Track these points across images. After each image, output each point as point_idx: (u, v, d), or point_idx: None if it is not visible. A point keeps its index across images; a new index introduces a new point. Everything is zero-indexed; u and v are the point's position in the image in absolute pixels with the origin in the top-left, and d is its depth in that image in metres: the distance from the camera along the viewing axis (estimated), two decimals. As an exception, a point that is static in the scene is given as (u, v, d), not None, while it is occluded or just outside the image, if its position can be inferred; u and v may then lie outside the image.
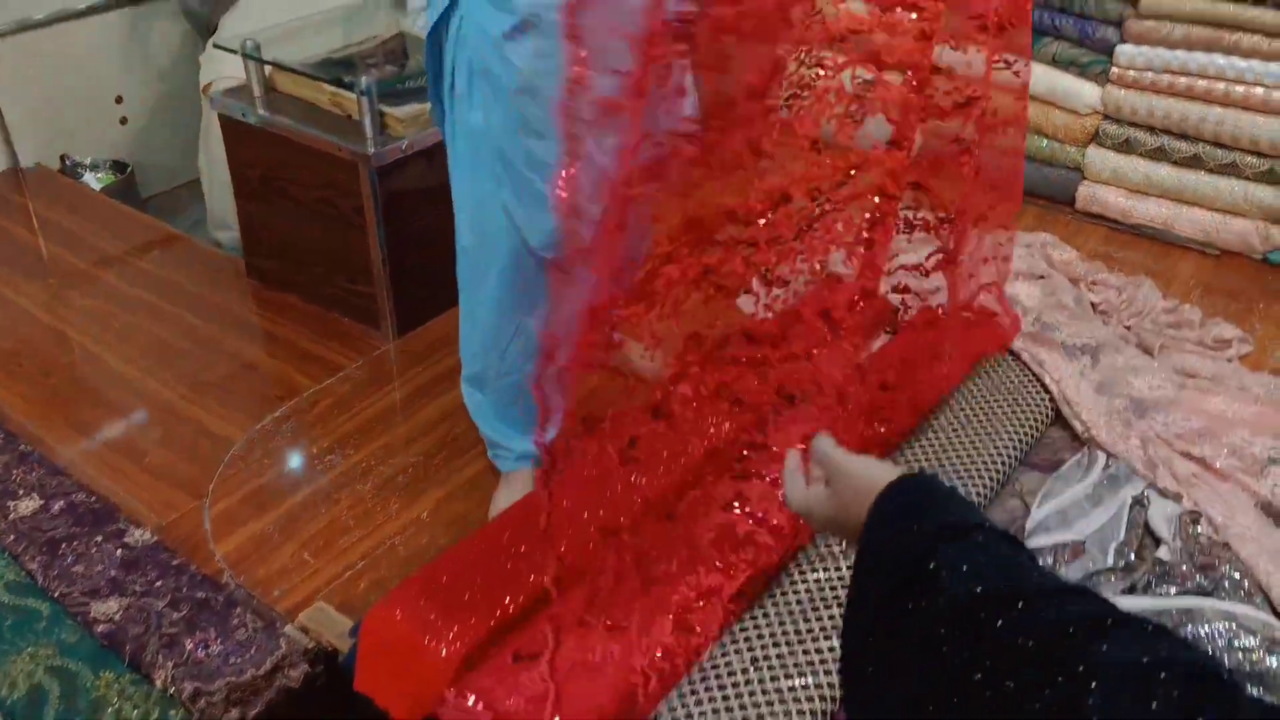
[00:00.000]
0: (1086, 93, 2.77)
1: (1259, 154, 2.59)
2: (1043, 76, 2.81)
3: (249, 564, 1.78)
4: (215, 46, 2.54)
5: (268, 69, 2.36)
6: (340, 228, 2.31)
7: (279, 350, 2.36)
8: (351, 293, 2.39)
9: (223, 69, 2.64)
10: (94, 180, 3.04)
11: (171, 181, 3.27)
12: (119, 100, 3.14)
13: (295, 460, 2.02)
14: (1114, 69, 2.71)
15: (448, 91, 1.60)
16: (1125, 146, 2.76)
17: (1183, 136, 2.68)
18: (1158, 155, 2.72)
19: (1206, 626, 1.46)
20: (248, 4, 2.87)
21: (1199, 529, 1.67)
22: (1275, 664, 1.40)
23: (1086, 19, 2.73)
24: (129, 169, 3.13)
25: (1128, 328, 2.38)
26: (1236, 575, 1.57)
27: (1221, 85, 2.57)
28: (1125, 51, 2.68)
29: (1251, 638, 1.43)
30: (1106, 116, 2.78)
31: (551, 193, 1.53)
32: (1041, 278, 2.47)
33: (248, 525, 1.86)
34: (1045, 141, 2.87)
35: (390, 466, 1.99)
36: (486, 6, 1.48)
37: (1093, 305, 2.42)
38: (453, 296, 2.45)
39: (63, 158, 3.05)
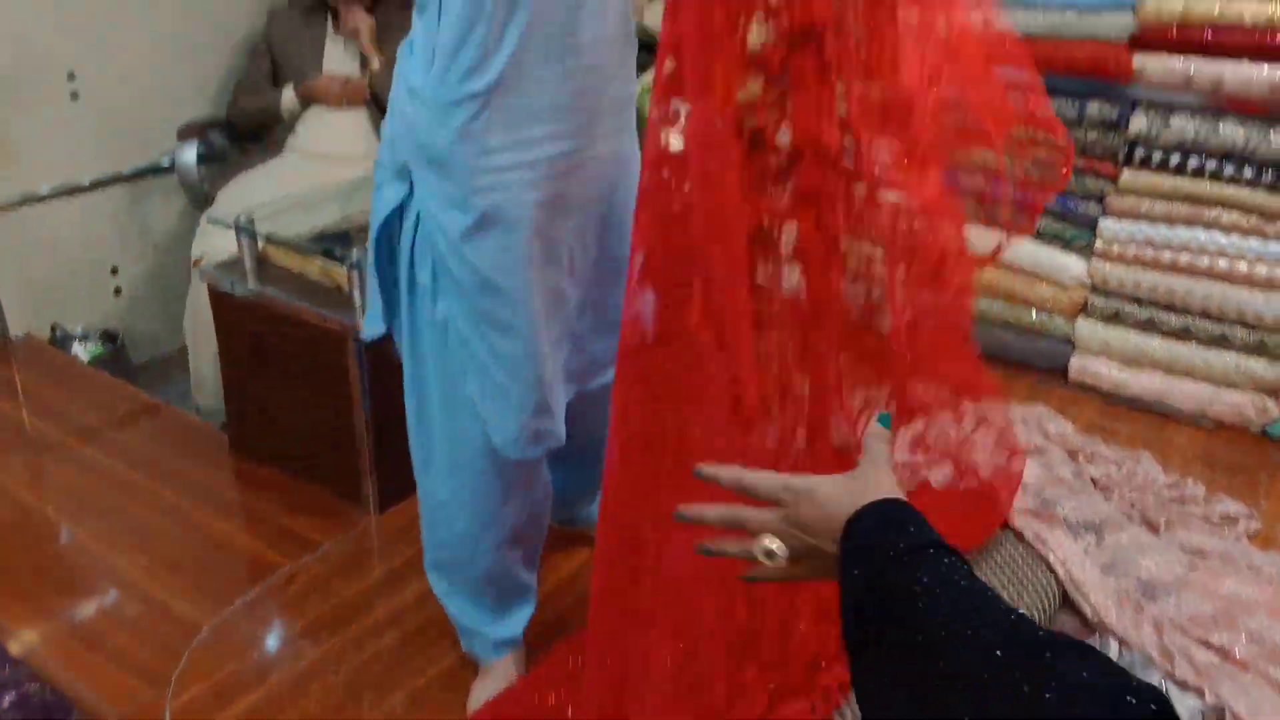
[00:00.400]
0: (1072, 266, 2.80)
1: (1248, 326, 2.59)
2: (1028, 250, 2.85)
3: (208, 764, 1.66)
4: (210, 222, 2.57)
5: (260, 242, 2.37)
6: (325, 399, 2.28)
7: (255, 526, 2.28)
8: (334, 465, 2.33)
9: (215, 242, 2.67)
10: (83, 350, 3.03)
11: (161, 349, 3.26)
12: (114, 271, 3.17)
13: (265, 648, 1.91)
14: (1098, 243, 2.75)
15: (405, 284, 1.55)
16: (1115, 319, 2.77)
17: (1171, 309, 2.69)
18: (1148, 327, 2.73)
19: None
20: (246, 178, 2.93)
21: None
22: None
23: (1067, 195, 2.79)
24: (119, 338, 3.13)
25: (1131, 504, 2.32)
26: (1269, 780, 1.46)
27: (1205, 259, 2.60)
28: (1108, 226, 2.72)
29: None
30: (1094, 289, 2.80)
31: (518, 391, 1.51)
32: (1039, 451, 2.43)
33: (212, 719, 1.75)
34: (1034, 313, 2.89)
35: (365, 653, 1.89)
36: (445, 206, 1.45)
37: (1092, 480, 2.37)
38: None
39: (53, 327, 3.04)
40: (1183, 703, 1.62)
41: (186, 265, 2.98)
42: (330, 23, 3.02)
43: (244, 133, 3.14)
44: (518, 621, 1.78)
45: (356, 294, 2.17)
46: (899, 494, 0.83)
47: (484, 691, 1.75)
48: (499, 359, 1.51)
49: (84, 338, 3.06)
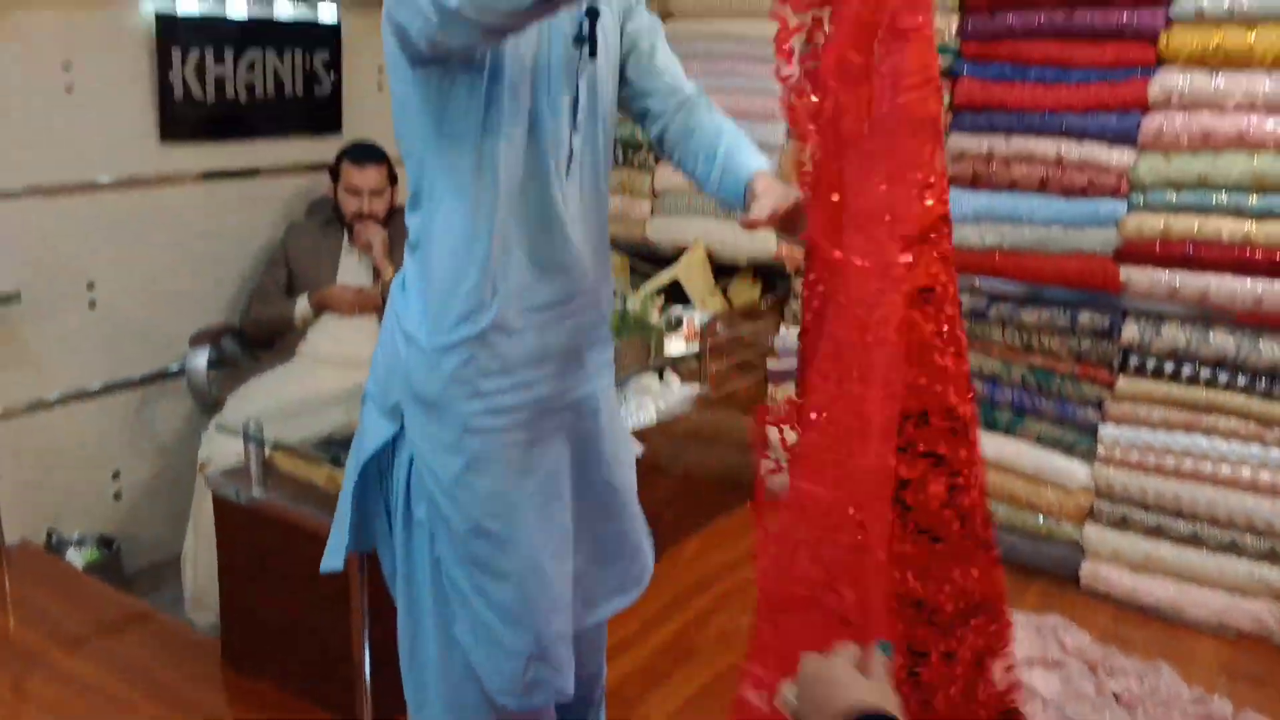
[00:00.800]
0: (1075, 469, 2.81)
1: (1257, 533, 2.58)
2: (1029, 455, 2.87)
3: None
4: (217, 428, 2.58)
5: (267, 448, 2.38)
6: (325, 614, 2.22)
7: (244, 748, 2.18)
8: (330, 684, 2.25)
9: (222, 447, 2.67)
10: (78, 556, 2.98)
11: (158, 555, 3.21)
12: (116, 476, 3.16)
13: None
14: (1100, 448, 2.77)
15: (401, 519, 1.53)
16: (1123, 524, 2.75)
17: (1179, 515, 2.68)
18: (1157, 533, 2.71)
19: None
20: (255, 383, 2.96)
21: None
22: None
23: (1065, 400, 2.83)
24: (115, 544, 3.08)
25: None
26: None
27: (1208, 465, 2.61)
28: (1108, 432, 2.75)
29: None
30: (1100, 494, 2.80)
31: (513, 638, 1.47)
32: (1057, 664, 2.36)
33: None
34: (1040, 518, 2.87)
35: None
36: (436, 449, 1.45)
37: (1114, 695, 2.29)
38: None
39: (49, 532, 3.00)
40: None
41: (188, 470, 2.97)
42: (346, 236, 3.14)
43: (256, 340, 3.21)
44: None
45: (362, 502, 2.16)
46: (895, 710, 0.89)
47: None
48: (492, 605, 1.47)
49: (80, 543, 3.01)
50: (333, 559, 1.63)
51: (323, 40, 3.43)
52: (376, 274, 3.10)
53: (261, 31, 3.25)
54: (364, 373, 2.91)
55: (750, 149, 1.49)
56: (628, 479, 1.66)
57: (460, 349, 1.40)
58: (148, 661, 2.46)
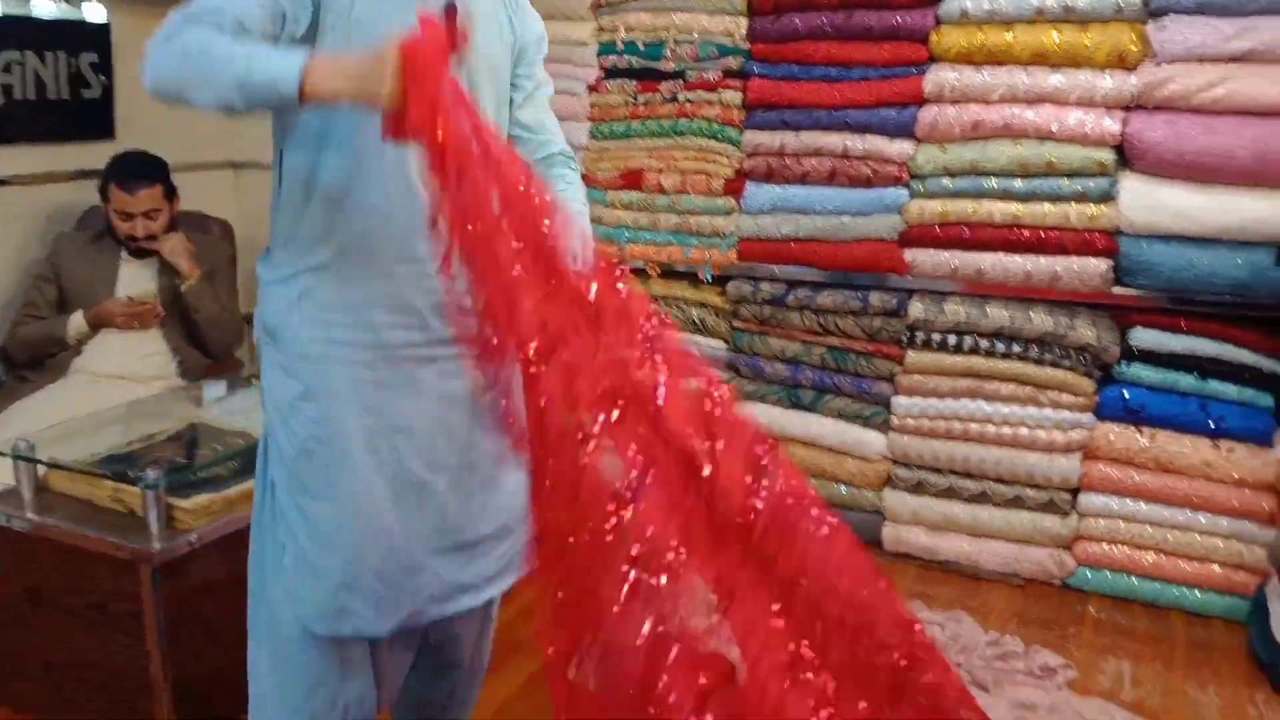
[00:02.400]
0: (873, 440, 2.95)
1: (1037, 486, 2.78)
2: (830, 429, 3.00)
3: None
4: (-19, 450, 2.34)
5: (41, 469, 2.18)
6: (116, 638, 2.05)
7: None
8: (127, 714, 2.07)
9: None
10: None
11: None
12: None
13: None
14: (893, 419, 2.92)
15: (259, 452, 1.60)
16: (918, 488, 2.91)
17: (969, 475, 2.86)
18: (949, 494, 2.88)
19: None
20: (25, 404, 2.72)
21: None
22: None
23: (861, 377, 2.97)
24: None
25: (957, 666, 2.37)
26: None
27: (991, 428, 2.80)
28: (901, 403, 2.91)
29: None
30: (895, 461, 2.95)
31: (325, 561, 1.49)
32: (867, 623, 2.46)
33: None
34: (843, 488, 3.00)
35: None
36: (276, 373, 1.53)
37: (921, 646, 2.41)
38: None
39: None
40: None
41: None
42: (123, 249, 2.92)
43: (21, 360, 2.94)
44: None
45: (153, 516, 2.01)
46: None
47: None
48: (309, 526, 1.50)
49: None
50: None
51: (90, 41, 3.21)
52: (163, 286, 2.91)
53: (18, 31, 3.01)
54: (146, 388, 2.78)
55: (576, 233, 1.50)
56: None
57: (302, 277, 1.48)
58: (-94, 716, 2.20)
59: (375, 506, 1.50)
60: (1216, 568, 2.62)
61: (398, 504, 1.52)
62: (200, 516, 2.06)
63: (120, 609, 2.04)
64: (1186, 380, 2.64)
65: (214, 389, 2.71)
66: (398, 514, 1.51)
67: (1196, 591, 2.65)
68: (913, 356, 2.88)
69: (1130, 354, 2.69)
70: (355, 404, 1.48)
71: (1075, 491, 2.77)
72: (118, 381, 2.79)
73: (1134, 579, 2.71)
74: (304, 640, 1.54)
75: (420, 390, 1.52)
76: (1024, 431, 2.77)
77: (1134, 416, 2.69)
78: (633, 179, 3.24)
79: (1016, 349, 2.77)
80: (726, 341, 3.17)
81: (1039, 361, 2.74)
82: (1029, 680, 2.29)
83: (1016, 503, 2.80)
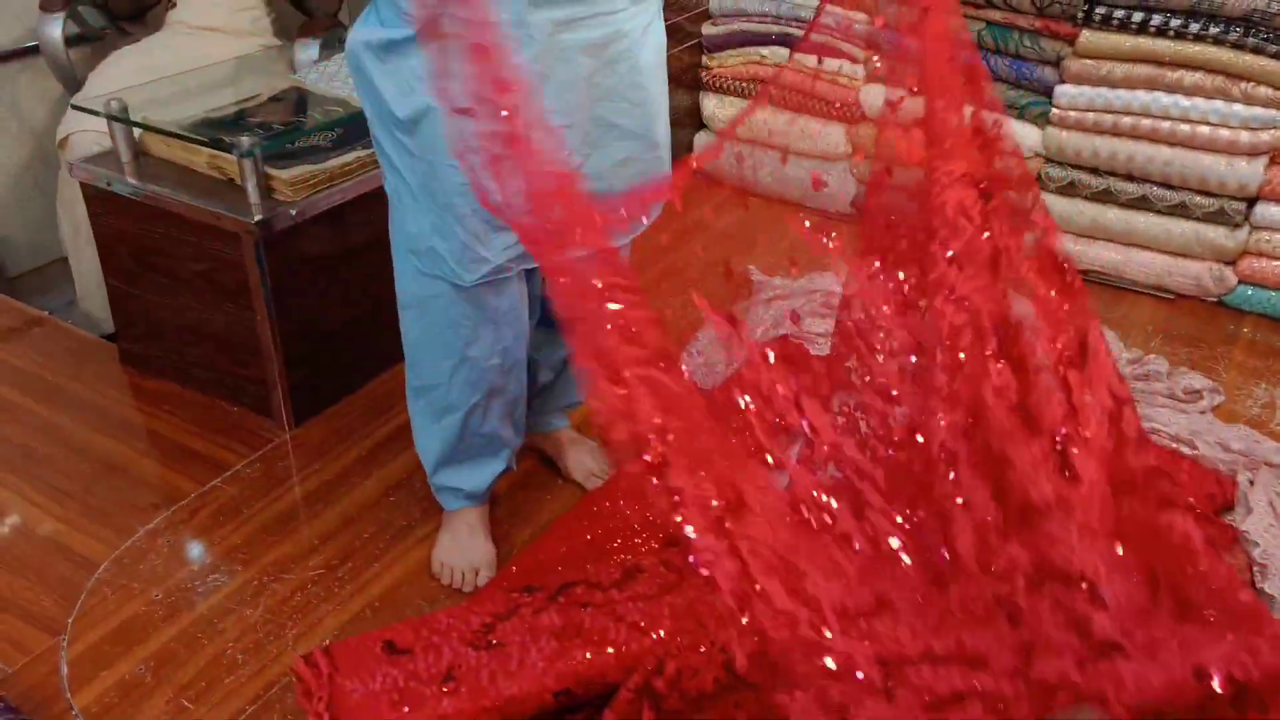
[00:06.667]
0: (1027, 135, 2.65)
1: (1208, 194, 2.48)
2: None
3: (114, 717, 1.49)
4: (73, 108, 2.26)
5: (137, 132, 2.09)
6: (225, 305, 2.05)
7: (155, 448, 2.06)
8: (240, 378, 2.11)
9: (86, 133, 2.36)
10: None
11: (42, 256, 2.95)
12: (-21, 171, 2.83)
13: (172, 583, 1.72)
14: (1054, 110, 2.60)
15: (390, 125, 1.44)
16: (1070, 190, 2.64)
17: (1128, 178, 2.56)
18: (1104, 198, 2.60)
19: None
20: (119, 57, 2.60)
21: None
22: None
23: (1022, 60, 2.62)
24: (-9, 246, 2.82)
25: (1089, 381, 2.23)
26: None
27: (1166, 124, 2.46)
28: (1065, 92, 2.56)
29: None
30: (1049, 160, 2.66)
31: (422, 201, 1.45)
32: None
33: (114, 668, 1.56)
34: (986, 187, 2.74)
35: (285, 585, 1.71)
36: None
37: (1054, 360, 2.26)
38: (357, 378, 2.21)
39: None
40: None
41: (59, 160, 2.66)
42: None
43: (124, 12, 2.78)
44: (485, 474, 1.73)
45: (251, 186, 1.92)
46: None
47: (448, 542, 1.74)
48: (415, 175, 1.44)
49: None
50: None
51: None
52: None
53: None
54: (242, 43, 2.61)
55: None
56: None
57: None
58: (42, 368, 2.29)
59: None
60: (1405, 293, 2.35)
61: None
62: (301, 188, 1.96)
63: (229, 279, 2.01)
64: None
65: (308, 50, 2.53)
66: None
67: (1371, 318, 2.40)
68: (1087, 37, 2.50)
69: (1356, 41, 2.27)
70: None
71: (1252, 201, 2.47)
72: (212, 34, 2.63)
73: (1300, 300, 2.47)
74: (452, 297, 1.52)
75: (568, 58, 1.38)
76: (1205, 130, 2.42)
77: (1342, 117, 2.32)
78: None
79: (1214, 30, 2.36)
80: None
81: (1239, 46, 2.34)
82: (1171, 404, 2.14)
83: (1180, 210, 2.52)
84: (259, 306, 1.99)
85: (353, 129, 2.10)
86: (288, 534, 1.82)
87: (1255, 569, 1.65)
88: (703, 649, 1.33)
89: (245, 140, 1.89)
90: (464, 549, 1.73)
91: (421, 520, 1.85)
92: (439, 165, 1.40)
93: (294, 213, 1.94)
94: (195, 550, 1.79)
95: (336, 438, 2.07)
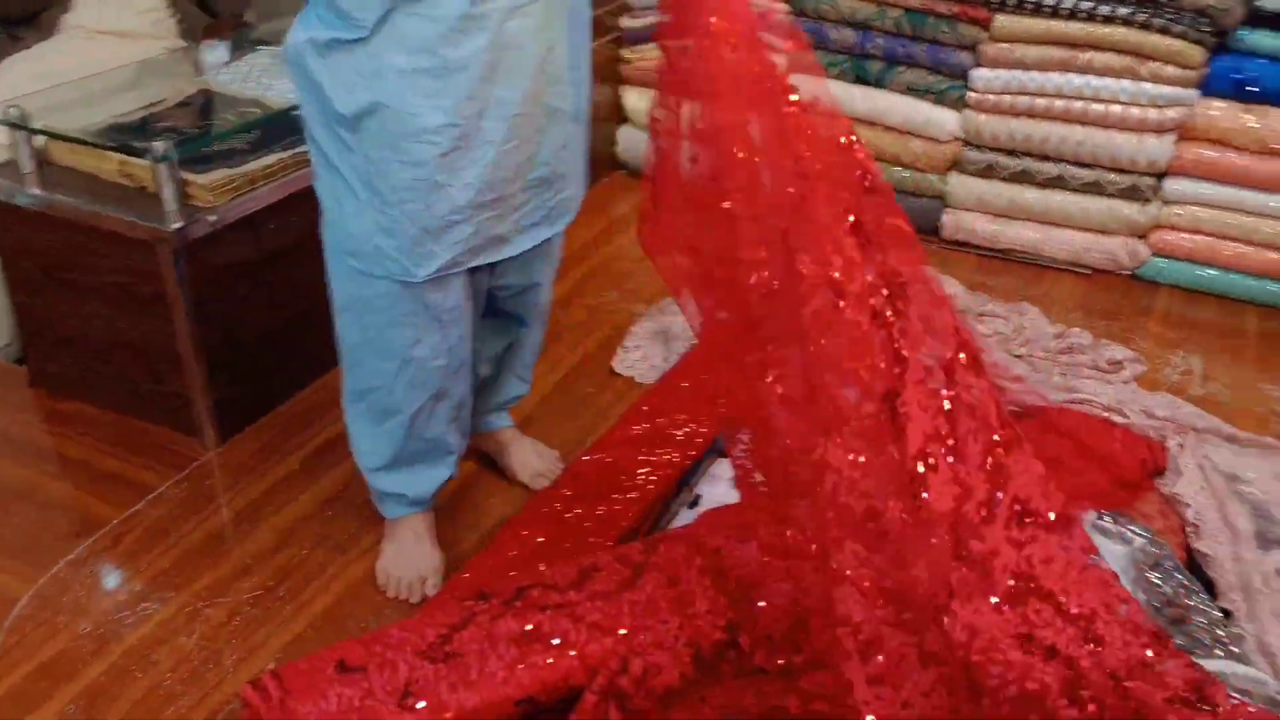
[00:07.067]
0: (945, 119, 2.69)
1: (1120, 170, 2.56)
2: (899, 105, 2.72)
3: (44, 759, 1.41)
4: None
5: (39, 139, 1.98)
6: (141, 319, 1.95)
7: (72, 473, 1.95)
8: (160, 394, 2.02)
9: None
10: None
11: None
12: None
13: (99, 614, 1.63)
14: (971, 94, 2.64)
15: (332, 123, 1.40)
16: (988, 171, 2.69)
17: (1044, 158, 2.62)
18: (1021, 178, 2.66)
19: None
20: (9, 65, 2.46)
21: (1155, 576, 1.53)
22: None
23: (939, 45, 2.65)
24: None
25: (1017, 356, 2.28)
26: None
27: (1079, 104, 2.53)
28: (981, 76, 2.61)
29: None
30: (967, 143, 2.70)
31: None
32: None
33: (41, 709, 1.47)
34: (906, 171, 2.78)
35: (220, 609, 1.64)
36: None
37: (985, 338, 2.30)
38: (285, 389, 2.14)
39: None
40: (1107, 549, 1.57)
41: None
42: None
43: (8, 12, 2.64)
44: (431, 480, 1.68)
45: (167, 192, 1.83)
46: None
47: (386, 553, 1.70)
48: (357, 175, 1.40)
49: None
50: None
51: None
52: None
53: None
54: (143, 47, 2.50)
55: None
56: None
57: None
58: (-58, 394, 2.16)
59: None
60: (1306, 259, 2.45)
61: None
62: (220, 193, 1.88)
63: (144, 290, 1.92)
64: (1313, 52, 2.33)
65: (215, 51, 2.43)
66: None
67: (1276, 285, 2.49)
68: (1001, 21, 2.55)
69: (1255, 17, 2.36)
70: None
71: (1161, 176, 2.55)
72: (112, 39, 2.51)
73: (1210, 270, 2.55)
74: (396, 296, 1.48)
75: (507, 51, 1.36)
76: (1116, 109, 2.49)
77: (1244, 92, 2.40)
78: None
79: (1123, 11, 2.43)
80: (787, 1, 2.81)
81: (1145, 26, 2.41)
82: (1096, 375, 2.19)
83: (1094, 188, 2.58)
84: (178, 319, 1.91)
85: (271, 131, 2.03)
86: (220, 556, 1.75)
87: (1189, 529, 1.69)
88: (667, 646, 1.32)
89: (160, 145, 1.80)
90: (410, 558, 1.68)
91: (361, 533, 1.79)
92: (387, 162, 1.37)
93: (213, 219, 1.87)
94: (121, 578, 1.70)
95: (265, 452, 1.99)
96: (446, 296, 1.49)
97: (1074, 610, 1.16)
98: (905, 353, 1.15)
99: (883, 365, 1.14)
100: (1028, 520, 1.15)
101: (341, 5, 1.31)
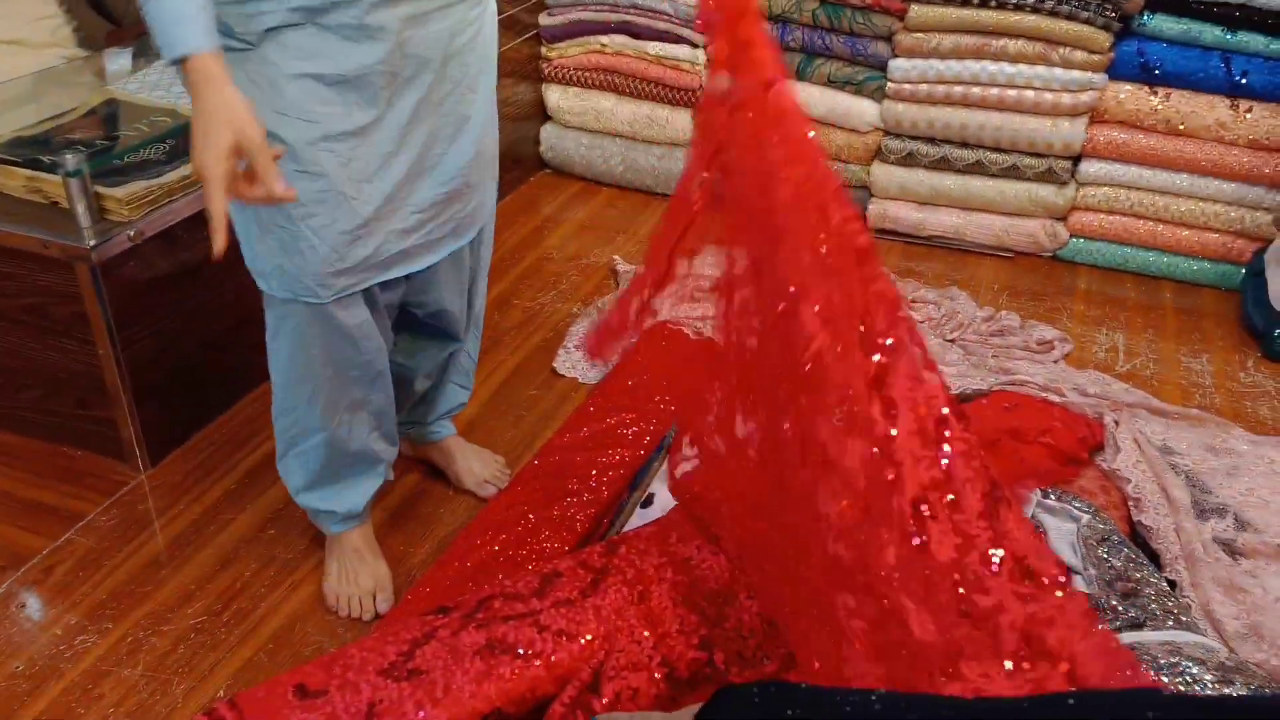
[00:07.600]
0: (865, 110, 2.73)
1: (1036, 154, 2.62)
2: (820, 98, 2.75)
3: (-17, 809, 1.33)
4: None
5: (-65, 157, 1.88)
6: (60, 342, 1.86)
7: (-6, 506, 1.86)
8: (85, 419, 1.93)
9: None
10: None
11: None
12: None
13: (34, 651, 1.55)
14: (889, 84, 2.68)
15: None
16: (909, 160, 2.74)
17: (963, 145, 2.68)
18: (941, 165, 2.71)
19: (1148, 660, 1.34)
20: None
21: (1104, 551, 1.57)
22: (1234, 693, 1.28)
23: (856, 36, 2.69)
24: None
25: (950, 340, 2.32)
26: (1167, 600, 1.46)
27: (994, 91, 2.59)
28: (898, 66, 2.65)
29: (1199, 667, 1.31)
30: (887, 132, 2.75)
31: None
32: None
33: (-24, 754, 1.40)
34: (831, 164, 2.81)
35: (165, 637, 1.57)
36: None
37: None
38: (216, 405, 2.07)
39: None
40: (1057, 528, 1.61)
41: None
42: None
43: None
44: (360, 493, 1.64)
45: (81, 208, 1.75)
46: None
47: (330, 571, 1.66)
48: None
49: None
50: None
51: None
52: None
53: None
54: (45, 54, 2.39)
55: None
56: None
57: None
58: None
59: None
60: (1214, 235, 2.55)
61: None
62: (137, 207, 1.80)
63: (61, 311, 1.83)
64: (1212, 33, 2.42)
65: (119, 59, 2.34)
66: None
67: (1190, 261, 2.59)
68: (915, 11, 2.59)
69: (1156, 2, 2.44)
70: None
71: (1076, 159, 2.62)
72: (7, 47, 2.39)
73: (1126, 249, 2.64)
74: (305, 315, 1.43)
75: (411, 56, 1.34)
76: (1029, 94, 2.56)
77: (1149, 75, 2.49)
78: None
79: None
80: (703, -4, 2.82)
81: (1054, 13, 2.48)
82: (1027, 355, 2.25)
83: (1012, 172, 2.65)
84: (100, 339, 1.83)
85: (187, 140, 1.94)
86: (159, 583, 1.68)
87: (1130, 503, 1.74)
88: (641, 666, 1.30)
89: (71, 158, 1.72)
90: (354, 574, 1.64)
91: (308, 551, 1.74)
92: (290, 175, 1.29)
93: (131, 234, 1.79)
94: (55, 612, 1.62)
95: (200, 472, 1.92)
96: (351, 313, 1.44)
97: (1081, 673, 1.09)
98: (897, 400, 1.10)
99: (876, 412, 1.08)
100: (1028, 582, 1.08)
101: (226, 21, 1.26)
